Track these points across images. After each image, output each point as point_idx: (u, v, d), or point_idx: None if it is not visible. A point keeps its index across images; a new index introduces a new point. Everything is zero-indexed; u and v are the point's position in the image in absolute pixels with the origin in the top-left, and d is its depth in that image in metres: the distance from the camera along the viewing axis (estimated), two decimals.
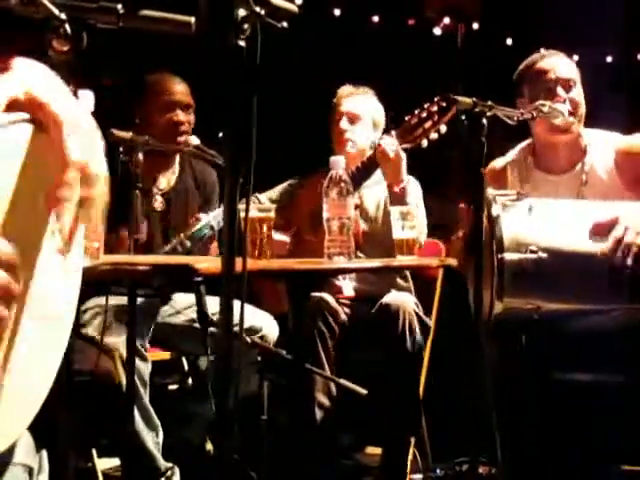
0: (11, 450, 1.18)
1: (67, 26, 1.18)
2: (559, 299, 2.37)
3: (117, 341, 2.77)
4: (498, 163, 2.92)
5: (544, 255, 2.31)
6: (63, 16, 1.17)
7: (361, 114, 3.46)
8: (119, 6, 1.23)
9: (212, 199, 3.38)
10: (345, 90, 3.53)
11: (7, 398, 1.09)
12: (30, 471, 1.22)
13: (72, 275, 1.23)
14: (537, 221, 2.39)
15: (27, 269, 1.09)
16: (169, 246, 3.00)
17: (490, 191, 2.40)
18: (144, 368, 2.84)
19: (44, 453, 1.27)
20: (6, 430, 1.12)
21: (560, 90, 2.74)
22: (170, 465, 2.95)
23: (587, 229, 2.35)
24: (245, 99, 1.48)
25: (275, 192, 3.55)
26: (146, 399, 2.86)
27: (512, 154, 2.92)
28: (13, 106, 1.04)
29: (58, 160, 1.08)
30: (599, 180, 2.75)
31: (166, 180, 3.34)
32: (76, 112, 1.11)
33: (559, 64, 2.80)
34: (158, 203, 3.26)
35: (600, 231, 2.34)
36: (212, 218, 2.89)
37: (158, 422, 2.91)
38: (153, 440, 2.88)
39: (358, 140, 3.42)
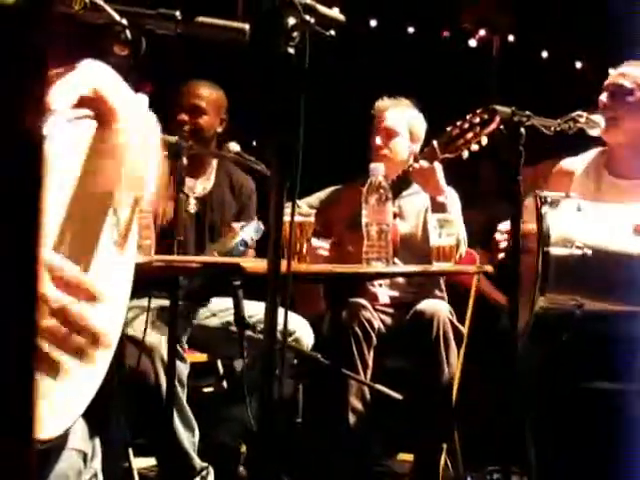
0: (66, 436, 1.24)
1: (128, 32, 1.23)
2: (602, 298, 2.38)
3: (158, 341, 2.82)
4: (568, 163, 2.94)
5: (589, 252, 2.34)
6: (124, 22, 1.23)
7: (397, 128, 3.49)
8: (177, 13, 1.28)
9: (249, 208, 3.43)
10: (382, 104, 3.55)
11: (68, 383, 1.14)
12: (84, 456, 1.27)
13: (126, 267, 1.28)
14: (585, 220, 2.42)
15: (87, 258, 1.14)
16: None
17: (538, 191, 2.43)
18: (182, 369, 2.89)
19: (97, 440, 1.32)
20: (71, 406, 1.18)
21: (603, 96, 2.77)
22: (205, 465, 2.99)
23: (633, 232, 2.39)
24: (293, 105, 1.52)
25: (314, 199, 3.59)
26: (184, 399, 2.91)
27: (588, 156, 2.94)
28: (81, 102, 1.10)
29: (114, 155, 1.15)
30: None
31: (202, 185, 3.40)
32: (137, 112, 1.16)
33: (616, 70, 2.82)
34: (192, 206, 3.32)
35: None
36: (246, 233, 2.92)
37: (195, 422, 2.96)
38: (189, 440, 2.93)
39: (395, 156, 3.45)
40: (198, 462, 2.96)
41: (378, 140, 3.48)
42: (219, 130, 3.41)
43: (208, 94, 3.40)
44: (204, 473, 2.97)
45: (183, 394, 2.90)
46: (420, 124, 3.55)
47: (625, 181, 2.80)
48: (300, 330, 3.04)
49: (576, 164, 2.93)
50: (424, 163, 3.04)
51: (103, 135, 1.14)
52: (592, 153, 2.92)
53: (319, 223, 3.08)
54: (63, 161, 1.07)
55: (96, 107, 1.12)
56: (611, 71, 2.85)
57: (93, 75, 1.12)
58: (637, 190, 2.75)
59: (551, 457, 2.58)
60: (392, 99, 3.55)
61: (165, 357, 2.72)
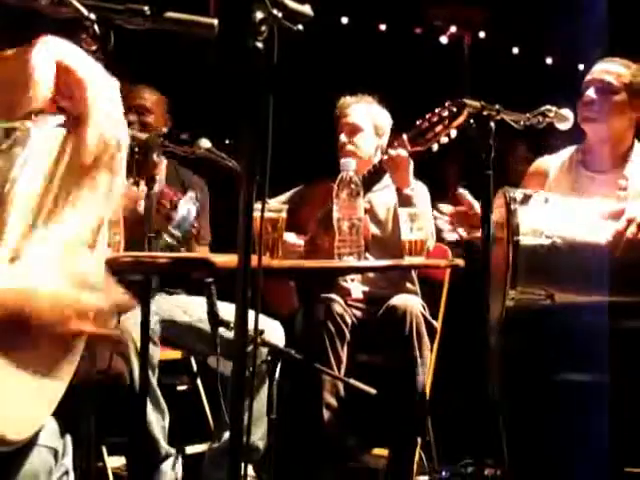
0: (37, 433, 1.23)
1: (96, 26, 1.23)
2: (572, 287, 2.41)
3: (132, 324, 2.78)
4: (543, 162, 2.98)
5: (558, 241, 2.37)
6: (92, 16, 1.22)
7: (361, 124, 3.50)
8: (145, 8, 1.27)
9: (205, 206, 3.42)
10: (344, 102, 3.57)
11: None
12: (55, 453, 1.27)
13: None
14: (553, 211, 2.45)
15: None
16: (162, 241, 3.01)
17: (506, 189, 2.46)
18: (154, 352, 2.89)
19: (68, 437, 1.32)
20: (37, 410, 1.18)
21: (590, 91, 2.79)
22: (173, 451, 2.98)
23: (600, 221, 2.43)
24: (262, 100, 1.52)
25: (284, 197, 3.59)
26: (154, 381, 2.90)
27: (564, 153, 2.96)
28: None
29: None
30: (636, 191, 2.79)
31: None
32: (101, 77, 1.16)
33: (600, 66, 2.84)
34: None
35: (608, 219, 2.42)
36: (186, 203, 2.90)
37: (165, 406, 2.95)
38: (159, 423, 2.92)
39: (360, 152, 3.47)
40: (166, 447, 2.95)
41: (343, 137, 3.50)
42: (164, 130, 3.41)
43: (150, 95, 3.47)
44: (172, 460, 2.96)
45: (154, 377, 2.90)
46: (384, 118, 3.56)
47: (601, 175, 2.83)
48: (269, 331, 3.02)
49: (550, 163, 2.95)
50: (401, 151, 3.06)
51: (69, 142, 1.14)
52: (568, 151, 2.95)
53: (291, 221, 3.08)
54: (36, 158, 1.06)
55: (64, 80, 1.11)
56: (601, 63, 2.86)
57: (53, 49, 1.12)
58: (612, 183, 2.80)
59: (524, 450, 2.60)
60: (354, 96, 3.56)
61: (137, 340, 2.71)
